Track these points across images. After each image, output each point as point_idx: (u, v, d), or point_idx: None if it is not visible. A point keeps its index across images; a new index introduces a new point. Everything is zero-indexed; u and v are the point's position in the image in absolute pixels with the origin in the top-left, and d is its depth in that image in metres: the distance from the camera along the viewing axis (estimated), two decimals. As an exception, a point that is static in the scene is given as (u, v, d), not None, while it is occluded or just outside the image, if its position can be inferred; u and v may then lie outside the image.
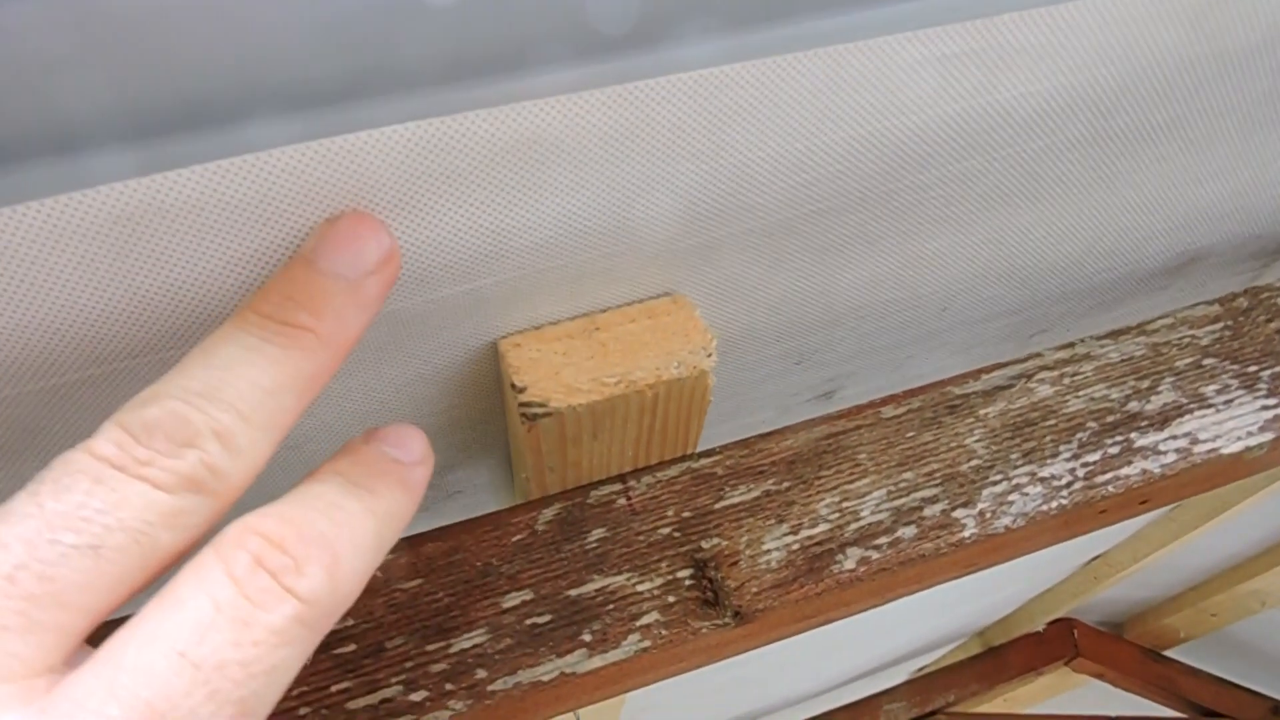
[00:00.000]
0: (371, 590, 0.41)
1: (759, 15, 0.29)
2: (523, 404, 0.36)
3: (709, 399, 0.40)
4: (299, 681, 0.39)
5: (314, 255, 0.28)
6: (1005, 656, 1.98)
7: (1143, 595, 1.88)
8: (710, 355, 0.38)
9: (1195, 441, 0.45)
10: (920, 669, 2.20)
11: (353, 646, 0.39)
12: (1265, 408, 0.46)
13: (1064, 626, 1.97)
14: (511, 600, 0.41)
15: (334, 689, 0.39)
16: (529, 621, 0.40)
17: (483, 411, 0.43)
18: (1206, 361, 0.48)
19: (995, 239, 0.45)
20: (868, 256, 0.42)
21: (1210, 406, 0.46)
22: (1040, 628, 1.97)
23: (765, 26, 0.30)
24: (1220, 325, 0.49)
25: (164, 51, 0.24)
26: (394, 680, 0.39)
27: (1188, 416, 0.46)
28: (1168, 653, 1.96)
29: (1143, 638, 1.96)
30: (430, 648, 0.40)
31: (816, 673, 1.80)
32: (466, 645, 0.40)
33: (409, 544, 0.42)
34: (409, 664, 0.39)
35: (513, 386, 0.37)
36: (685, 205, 0.35)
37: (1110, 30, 0.35)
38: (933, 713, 1.93)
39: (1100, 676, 2.01)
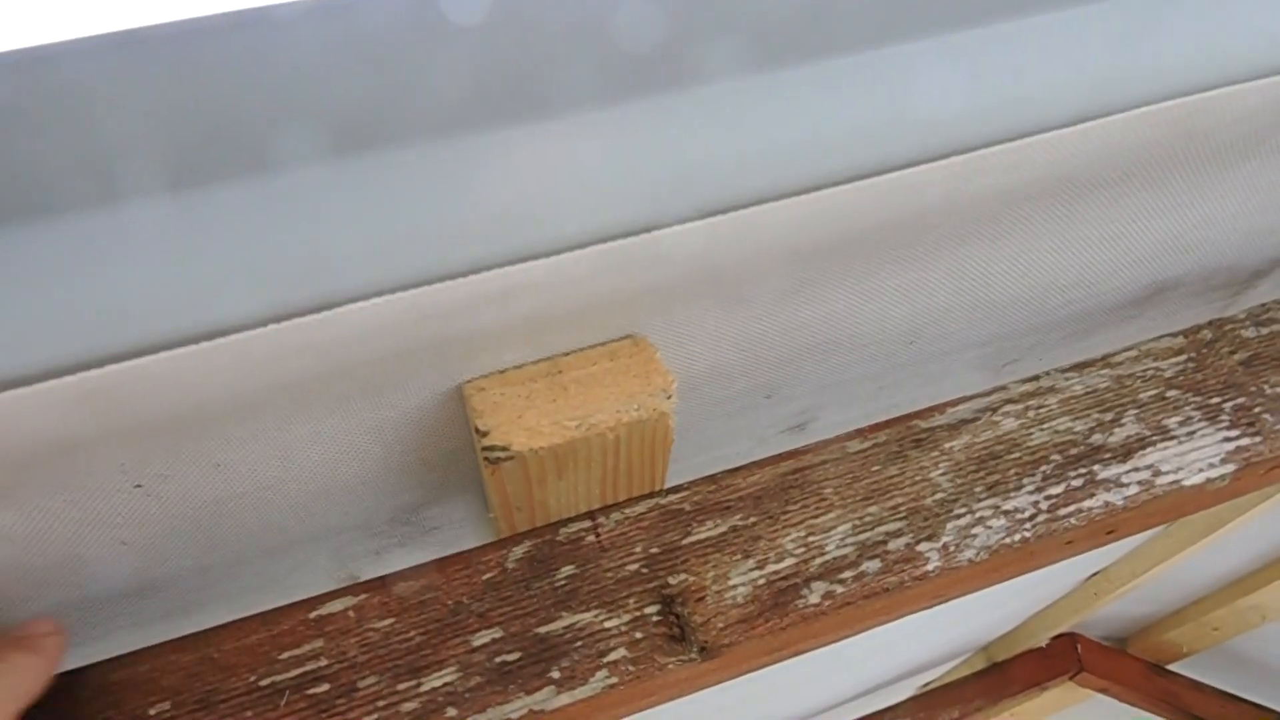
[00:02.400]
0: (345, 630, 0.42)
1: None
2: (485, 448, 0.37)
3: (671, 438, 0.41)
4: (272, 721, 0.39)
5: None
6: (1009, 672, 1.97)
7: (1145, 610, 1.87)
8: (670, 397, 0.39)
9: (1158, 473, 0.46)
10: (925, 685, 2.19)
11: (326, 686, 0.40)
12: (1227, 439, 0.47)
13: (1067, 641, 1.96)
14: (481, 638, 0.42)
15: (306, 728, 0.39)
16: (499, 659, 0.41)
17: (453, 451, 0.44)
18: (1170, 393, 0.48)
19: (956, 274, 0.46)
20: (827, 295, 0.43)
21: (1173, 438, 0.47)
22: (1043, 643, 1.96)
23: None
24: (1184, 357, 0.50)
25: None
26: (366, 719, 0.40)
27: (1150, 449, 0.47)
28: (1171, 667, 1.95)
29: (1146, 652, 1.95)
30: (401, 687, 0.40)
31: (821, 689, 1.79)
32: (437, 684, 0.40)
33: (382, 583, 0.43)
34: (381, 703, 0.40)
35: (476, 430, 0.38)
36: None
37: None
38: (935, 729, 1.92)
39: (1105, 691, 2.00)
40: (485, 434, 0.37)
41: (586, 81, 0.33)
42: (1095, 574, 1.62)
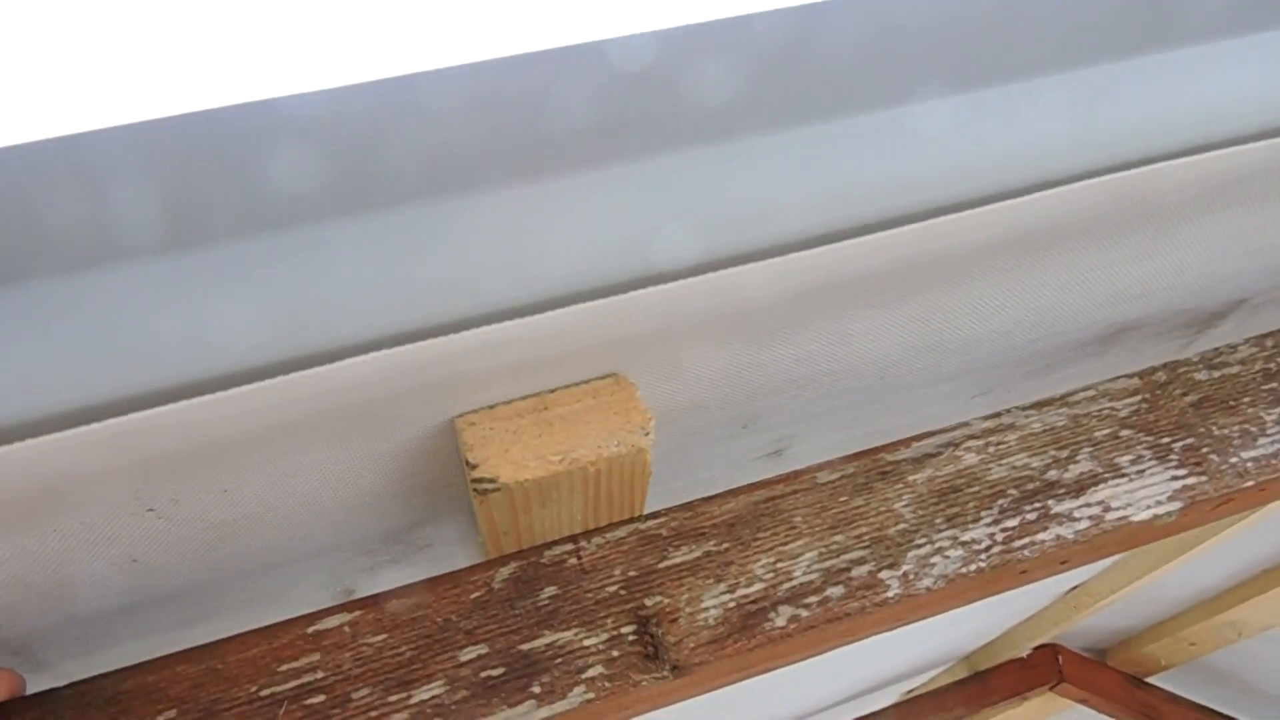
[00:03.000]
0: (341, 644, 0.44)
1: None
2: (474, 479, 0.40)
3: (649, 471, 0.44)
4: (271, 729, 0.42)
5: None
6: (990, 681, 2.00)
7: (1125, 624, 1.90)
8: (647, 434, 0.41)
9: (1108, 509, 0.49)
10: (909, 692, 2.23)
11: (322, 697, 0.43)
12: (1175, 478, 0.50)
13: (1049, 652, 1.99)
14: (468, 654, 0.44)
15: (303, 736, 0.42)
16: (484, 674, 0.44)
17: (445, 477, 0.47)
18: (1123, 433, 0.51)
19: (922, 319, 0.48)
20: (802, 338, 0.46)
21: (1124, 476, 0.50)
22: (1025, 653, 1.99)
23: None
24: (1138, 398, 0.53)
25: None
26: (358, 728, 0.42)
27: (1102, 485, 0.50)
28: (1150, 680, 1.98)
29: (1125, 664, 1.99)
30: (393, 698, 0.43)
31: (805, 694, 1.82)
32: (426, 696, 0.43)
33: (375, 601, 0.46)
34: (373, 714, 0.43)
35: (467, 463, 0.41)
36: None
37: (1007, 148, 0.38)
38: (915, 736, 1.95)
39: (1084, 702, 2.03)
40: (475, 466, 0.40)
41: (577, 145, 0.36)
42: (1075, 587, 1.65)
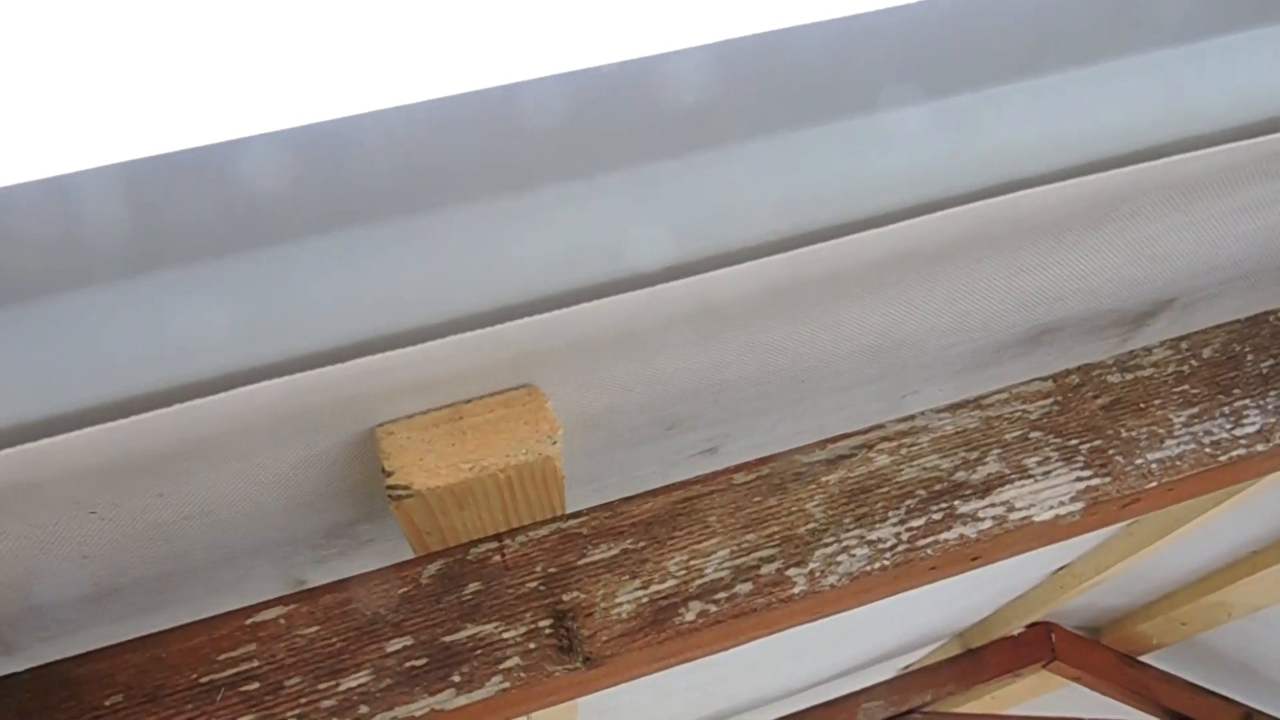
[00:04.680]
0: (276, 635, 0.47)
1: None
2: (389, 486, 0.43)
3: (561, 475, 0.46)
4: (210, 715, 0.45)
5: None
6: (983, 658, 2.03)
7: (1117, 603, 1.92)
8: (555, 442, 0.44)
9: (1011, 509, 0.51)
10: (905, 668, 2.25)
11: (257, 685, 0.46)
12: (1080, 479, 0.52)
13: (1042, 630, 2.01)
14: (394, 645, 0.47)
15: (239, 720, 0.45)
16: (408, 664, 0.47)
17: (376, 478, 0.49)
18: (1033, 435, 0.53)
19: (833, 326, 0.50)
20: (710, 347, 0.48)
21: (1030, 477, 0.52)
22: (1017, 631, 2.01)
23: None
24: (1050, 400, 0.54)
25: None
26: (290, 715, 0.45)
27: (1008, 486, 0.52)
28: (1143, 658, 2.00)
29: (1118, 643, 2.00)
30: (322, 686, 0.46)
31: (795, 670, 1.86)
32: (353, 684, 0.46)
33: (310, 594, 0.49)
34: (303, 700, 0.46)
35: (383, 470, 0.43)
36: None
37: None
38: (909, 711, 1.98)
39: (1077, 680, 2.05)
40: (390, 474, 0.43)
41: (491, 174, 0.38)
42: (1061, 568, 1.67)
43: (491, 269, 0.41)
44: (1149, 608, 1.88)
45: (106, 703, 0.46)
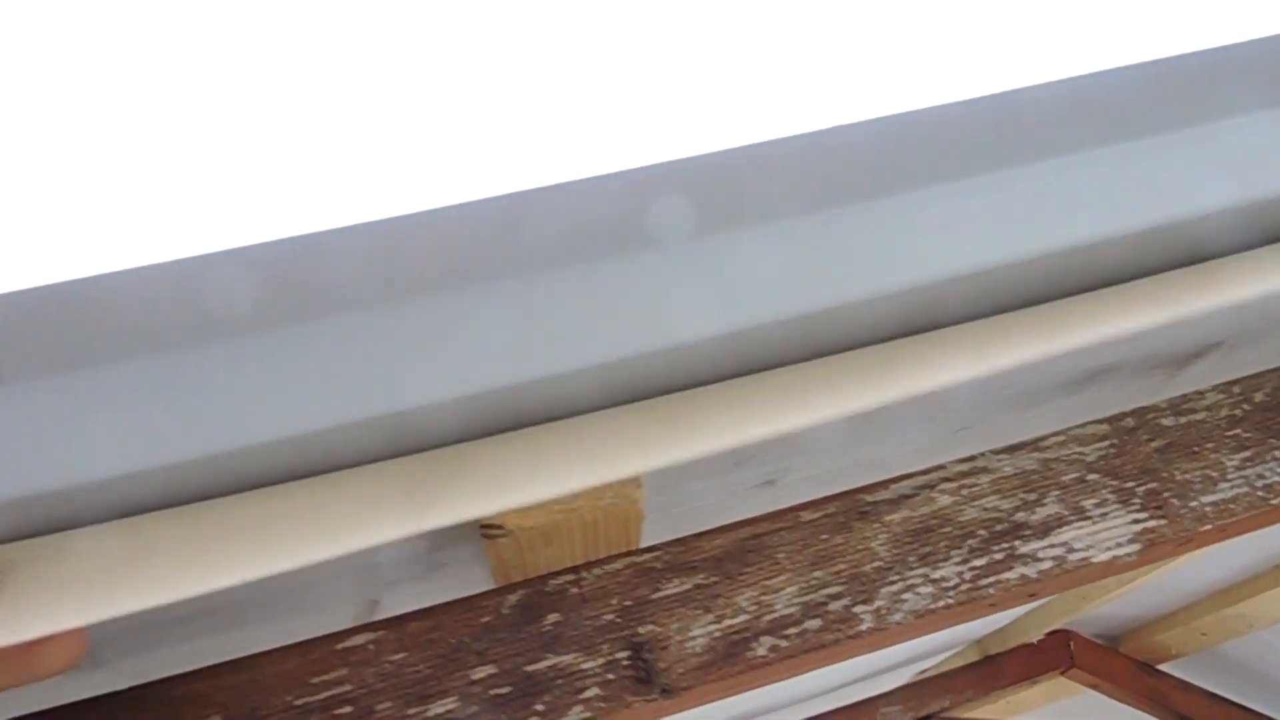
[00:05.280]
0: (365, 661, 0.50)
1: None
2: (484, 526, 0.45)
3: (641, 514, 0.48)
4: (305, 737, 0.48)
5: None
6: (1001, 665, 2.05)
7: (1137, 613, 1.93)
8: (640, 487, 0.46)
9: (1071, 550, 0.53)
10: (921, 672, 2.28)
11: (349, 709, 0.49)
12: (1136, 521, 0.53)
13: (1061, 638, 2.03)
14: (479, 673, 0.50)
15: (332, 744, 0.48)
16: (493, 692, 0.49)
17: (461, 512, 0.52)
18: (1090, 477, 0.55)
19: (901, 373, 0.52)
20: (785, 392, 0.50)
21: (1088, 518, 0.54)
22: (1036, 639, 2.03)
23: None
24: (1106, 443, 0.56)
25: None
26: (381, 738, 0.48)
27: (1067, 527, 0.53)
28: (1161, 667, 2.01)
29: (1137, 652, 2.02)
30: (411, 711, 0.49)
31: (814, 674, 1.88)
32: (441, 711, 0.49)
33: (398, 621, 0.51)
34: (393, 725, 0.48)
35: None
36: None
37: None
38: (927, 717, 2.00)
39: (1095, 687, 2.07)
40: (485, 516, 0.45)
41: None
42: (1084, 580, 1.69)
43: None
44: (1169, 618, 1.89)
45: (207, 724, 0.48)
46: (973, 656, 2.15)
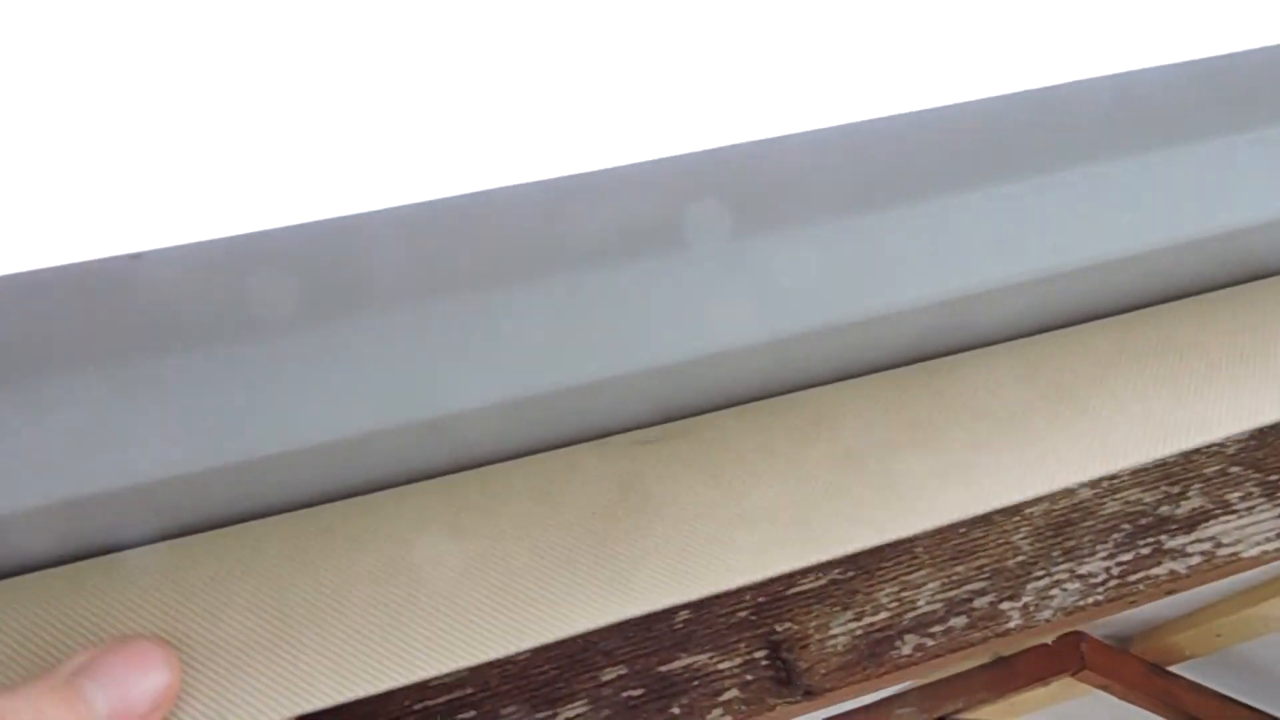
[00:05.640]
0: (488, 663, 0.46)
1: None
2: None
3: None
4: (427, 743, 0.44)
5: (78, 675, 0.28)
6: (1014, 666, 2.03)
7: (1151, 614, 1.93)
8: (796, 474, 0.43)
9: (1219, 545, 0.50)
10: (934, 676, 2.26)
11: (472, 713, 0.45)
12: (1284, 514, 0.51)
13: (1072, 639, 2.02)
14: (609, 674, 0.46)
15: (457, 751, 0.44)
16: (624, 695, 0.46)
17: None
18: (1232, 469, 0.53)
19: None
20: (933, 377, 0.47)
21: (1234, 512, 0.51)
22: (1049, 640, 2.02)
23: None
24: (1247, 435, 0.54)
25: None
26: (509, 745, 0.44)
27: (1213, 521, 0.51)
28: (1172, 668, 2.01)
29: (1148, 653, 2.02)
30: (539, 716, 0.45)
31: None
32: (570, 715, 0.45)
33: (518, 619, 0.48)
34: (521, 730, 0.45)
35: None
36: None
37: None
38: (942, 718, 1.99)
39: (1105, 689, 2.06)
40: (633, 503, 0.42)
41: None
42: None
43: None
44: (1185, 619, 1.89)
45: (320, 729, 0.44)
46: (985, 658, 2.13)
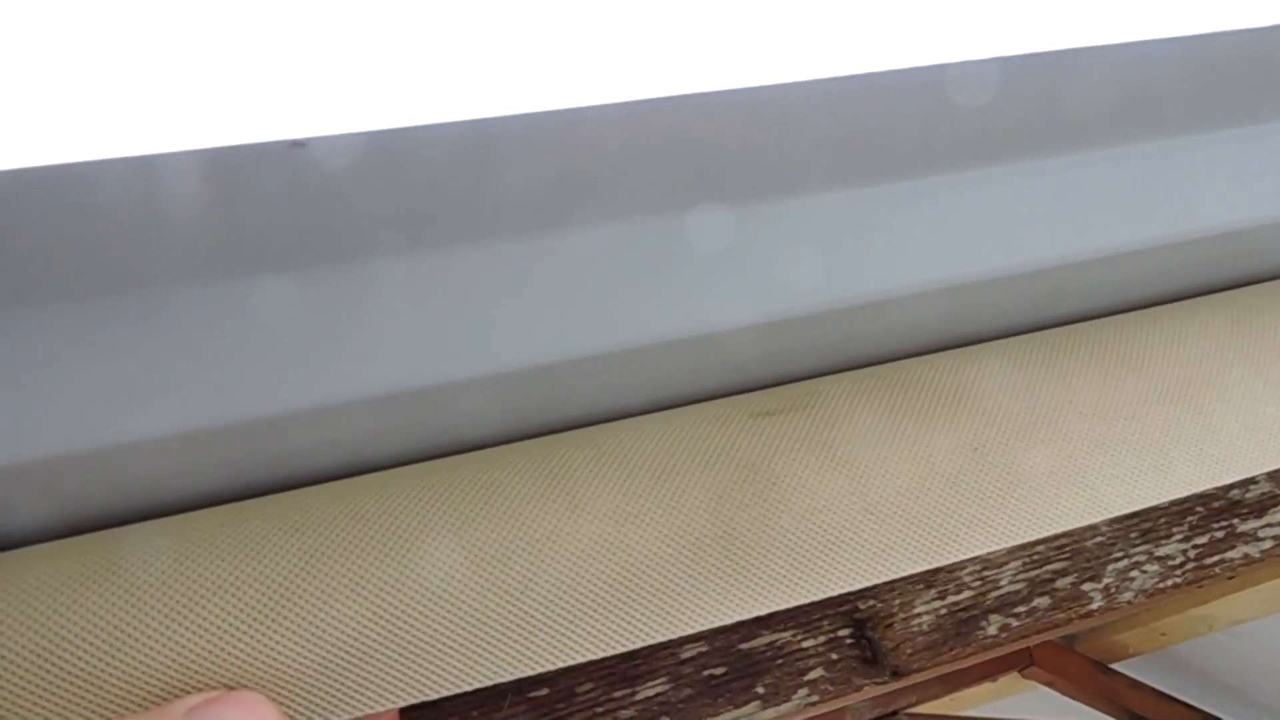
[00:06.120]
0: (561, 636, 0.43)
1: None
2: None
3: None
4: (498, 723, 0.41)
5: (189, 716, 0.26)
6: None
7: (1099, 612, 1.98)
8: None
9: (1289, 530, 0.50)
10: (879, 668, 2.28)
11: (546, 690, 0.42)
12: (1347, 501, 0.51)
13: (1021, 636, 2.06)
14: (689, 651, 0.44)
15: (531, 730, 0.41)
16: (706, 673, 0.43)
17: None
18: (1296, 455, 0.53)
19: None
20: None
21: (1299, 498, 0.51)
22: (1000, 637, 2.05)
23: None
24: (1307, 421, 0.54)
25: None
26: (587, 724, 0.41)
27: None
28: (1116, 666, 2.06)
29: (1093, 650, 2.07)
30: (618, 694, 0.42)
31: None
32: (651, 694, 0.42)
33: (590, 592, 0.45)
34: (599, 709, 0.42)
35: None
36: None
37: None
38: (894, 712, 2.01)
39: (1051, 685, 2.11)
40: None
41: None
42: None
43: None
44: (1130, 618, 1.94)
45: (380, 707, 0.41)
46: (936, 653, 2.16)
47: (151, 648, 0.29)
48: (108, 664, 0.28)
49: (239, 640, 0.29)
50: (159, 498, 0.33)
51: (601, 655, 0.32)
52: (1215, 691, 2.01)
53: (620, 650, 0.32)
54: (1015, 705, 2.34)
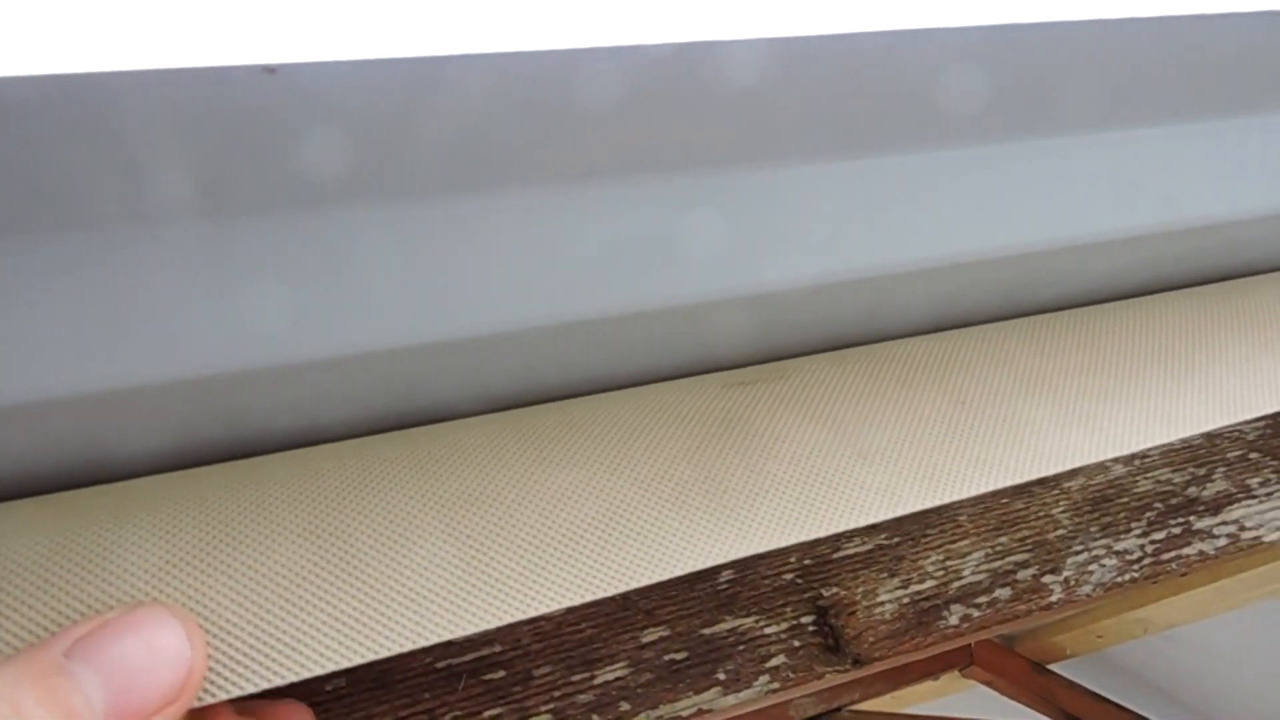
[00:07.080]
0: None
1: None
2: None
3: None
4: (451, 706, 0.40)
5: (72, 656, 0.21)
6: (907, 663, 2.09)
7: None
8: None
9: (1242, 528, 0.51)
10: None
11: (502, 673, 0.41)
12: (1300, 501, 0.52)
13: (963, 636, 2.09)
14: (650, 635, 0.43)
15: (485, 714, 0.40)
16: (666, 657, 0.42)
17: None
18: (1252, 455, 0.53)
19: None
20: (998, 339, 0.46)
21: (1255, 497, 0.52)
22: (943, 636, 2.08)
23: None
24: (1263, 423, 0.55)
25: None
26: (543, 709, 0.40)
27: (1236, 505, 0.51)
28: (1053, 667, 2.10)
29: (1032, 651, 2.10)
30: (576, 678, 0.41)
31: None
32: (610, 678, 0.41)
33: (550, 573, 0.44)
34: (556, 693, 0.41)
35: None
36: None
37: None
38: (838, 709, 2.02)
39: (990, 684, 2.14)
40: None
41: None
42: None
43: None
44: (1068, 619, 1.98)
45: (328, 687, 0.39)
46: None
47: (68, 591, 0.26)
48: (15, 609, 0.26)
49: (171, 584, 0.27)
50: (97, 459, 0.31)
51: (581, 601, 0.31)
52: (1147, 693, 2.06)
53: (601, 595, 0.31)
54: (954, 704, 2.38)
